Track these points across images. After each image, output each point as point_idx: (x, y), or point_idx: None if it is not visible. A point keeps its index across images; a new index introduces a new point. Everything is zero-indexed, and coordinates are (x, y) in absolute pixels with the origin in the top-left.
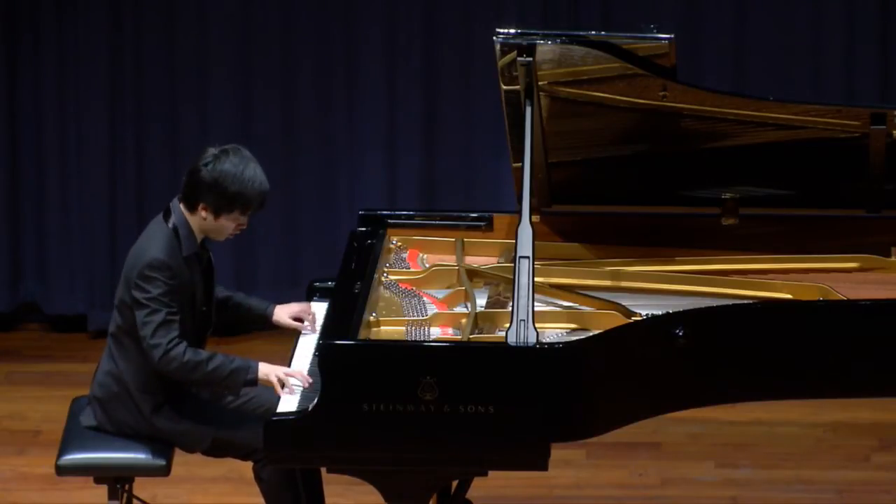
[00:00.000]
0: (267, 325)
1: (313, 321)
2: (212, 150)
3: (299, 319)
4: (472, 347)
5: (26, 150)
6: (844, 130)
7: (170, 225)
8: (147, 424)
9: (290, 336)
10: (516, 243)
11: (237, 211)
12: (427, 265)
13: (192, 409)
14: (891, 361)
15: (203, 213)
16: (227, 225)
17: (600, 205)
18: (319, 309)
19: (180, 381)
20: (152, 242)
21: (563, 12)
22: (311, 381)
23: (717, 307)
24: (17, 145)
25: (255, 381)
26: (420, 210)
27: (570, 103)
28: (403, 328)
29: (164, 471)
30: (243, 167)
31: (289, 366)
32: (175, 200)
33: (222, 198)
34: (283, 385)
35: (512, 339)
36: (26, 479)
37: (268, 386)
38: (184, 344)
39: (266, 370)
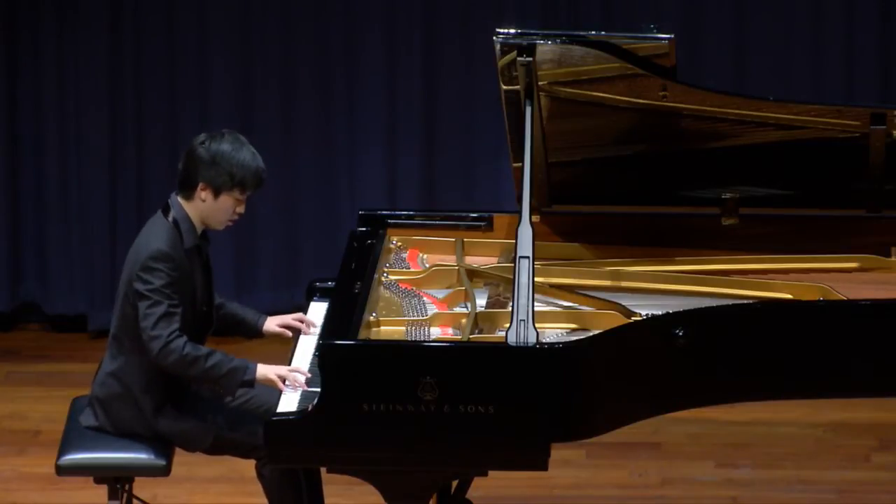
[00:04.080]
0: (257, 336)
1: (308, 327)
2: (205, 134)
3: (293, 329)
4: (472, 347)
5: (26, 150)
6: (844, 130)
7: (169, 219)
8: (149, 425)
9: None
10: (516, 243)
11: (237, 189)
12: (427, 265)
13: (194, 408)
14: (891, 361)
15: (202, 195)
16: (227, 206)
17: (600, 205)
18: (319, 309)
19: (177, 375)
20: (153, 236)
21: (563, 12)
22: (310, 375)
23: (717, 307)
24: (18, 145)
25: (251, 383)
26: (420, 210)
27: (570, 103)
28: (403, 328)
29: (164, 471)
30: (239, 145)
31: (289, 365)
32: (173, 195)
33: (222, 173)
34: (283, 380)
35: (512, 339)
36: (26, 479)
37: (268, 385)
38: (184, 338)
39: (264, 370)
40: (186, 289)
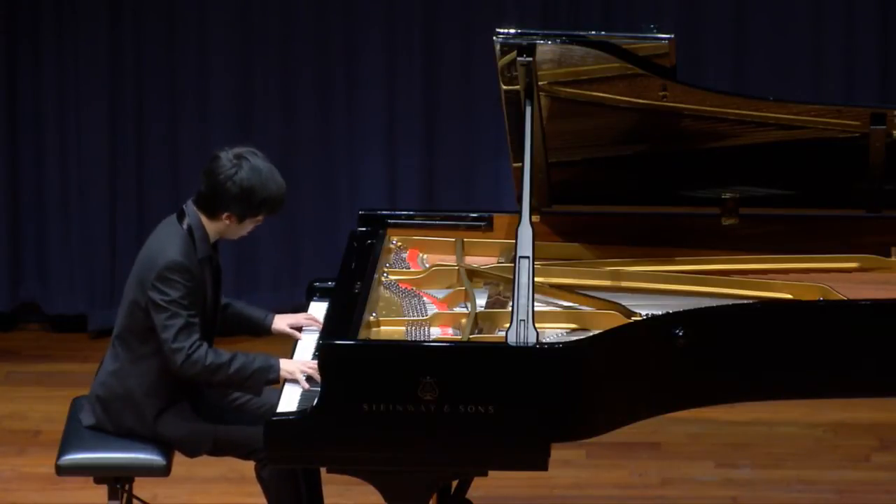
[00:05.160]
0: (264, 334)
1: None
2: (226, 157)
3: (298, 329)
4: (472, 347)
5: (26, 150)
6: (844, 130)
7: (184, 226)
8: (149, 429)
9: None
10: (516, 243)
11: (262, 214)
12: (427, 265)
13: (194, 412)
14: (891, 361)
15: (226, 221)
16: (248, 227)
17: (600, 205)
18: (319, 309)
19: (201, 384)
20: (169, 244)
21: (563, 12)
22: None
23: (717, 307)
24: (18, 144)
25: (277, 380)
26: (420, 210)
27: (571, 103)
28: (403, 328)
29: (164, 471)
30: (265, 172)
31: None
32: (189, 203)
33: (250, 206)
34: (308, 378)
35: (512, 339)
36: (26, 479)
37: (292, 382)
38: (205, 346)
39: (289, 367)
40: (198, 296)
